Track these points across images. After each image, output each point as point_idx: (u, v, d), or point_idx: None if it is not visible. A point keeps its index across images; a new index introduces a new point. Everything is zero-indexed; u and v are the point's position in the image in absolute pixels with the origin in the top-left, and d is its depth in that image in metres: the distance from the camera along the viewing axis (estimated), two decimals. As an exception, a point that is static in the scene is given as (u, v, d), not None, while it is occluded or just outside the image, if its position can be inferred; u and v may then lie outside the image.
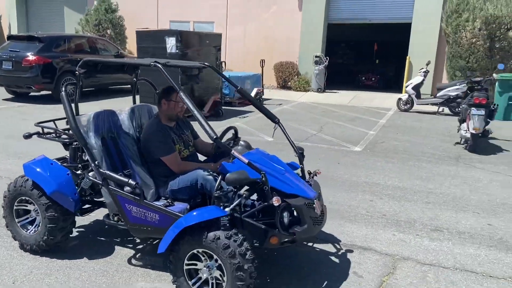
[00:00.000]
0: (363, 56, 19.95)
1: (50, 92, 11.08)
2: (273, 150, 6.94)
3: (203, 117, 2.72)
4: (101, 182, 3.01)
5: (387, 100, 13.28)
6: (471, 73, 8.79)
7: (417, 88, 11.39)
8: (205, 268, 2.61)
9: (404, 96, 11.73)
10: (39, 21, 19.41)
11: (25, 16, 19.66)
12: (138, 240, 3.65)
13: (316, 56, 14.37)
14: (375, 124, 9.65)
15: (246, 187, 2.89)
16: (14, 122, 8.45)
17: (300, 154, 3.42)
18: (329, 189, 5.09)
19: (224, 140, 3.50)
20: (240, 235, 2.55)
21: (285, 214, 2.72)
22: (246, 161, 2.69)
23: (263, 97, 12.60)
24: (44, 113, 9.27)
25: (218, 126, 8.76)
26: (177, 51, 8.84)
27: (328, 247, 3.64)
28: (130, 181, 2.89)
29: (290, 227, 2.79)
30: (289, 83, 15.13)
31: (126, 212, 2.99)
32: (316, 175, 3.37)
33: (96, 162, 3.02)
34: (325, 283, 3.08)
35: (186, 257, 2.62)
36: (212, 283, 2.61)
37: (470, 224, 4.24)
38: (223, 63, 10.19)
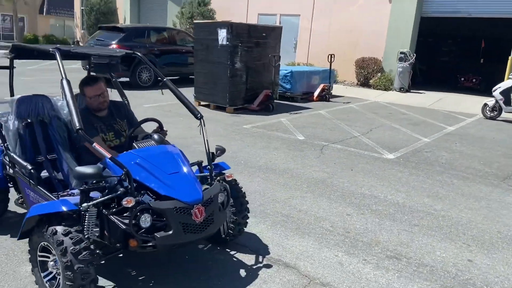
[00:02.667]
0: (465, 54, 17.71)
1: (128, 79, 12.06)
2: (296, 149, 6.68)
3: (73, 105, 2.64)
4: (9, 164, 3.19)
5: (477, 105, 11.65)
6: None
7: (507, 93, 9.81)
8: (52, 263, 2.59)
9: (490, 102, 10.20)
10: (148, 14, 21.20)
11: (137, 9, 21.62)
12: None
13: (401, 53, 13.22)
14: (439, 131, 8.57)
15: None
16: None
17: (212, 154, 3.20)
18: (313, 196, 4.70)
19: (149, 132, 3.45)
20: (80, 234, 2.45)
21: (145, 216, 2.56)
22: (109, 155, 2.62)
23: (332, 93, 12.06)
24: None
25: (263, 120, 8.67)
26: (227, 43, 8.90)
27: (248, 258, 3.36)
28: (27, 165, 3.01)
29: (158, 230, 2.64)
30: (370, 81, 14.21)
31: (26, 196, 3.13)
32: (225, 179, 3.13)
33: (5, 144, 3.21)
34: (208, 295, 2.86)
35: (38, 248, 2.63)
36: (59, 279, 2.59)
37: (443, 256, 3.55)
38: (278, 57, 9.94)
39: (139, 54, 3.67)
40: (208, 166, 3.13)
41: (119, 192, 2.65)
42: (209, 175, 3.09)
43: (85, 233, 2.54)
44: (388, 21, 13.87)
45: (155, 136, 3.18)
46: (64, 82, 2.76)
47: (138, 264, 3.18)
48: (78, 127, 2.57)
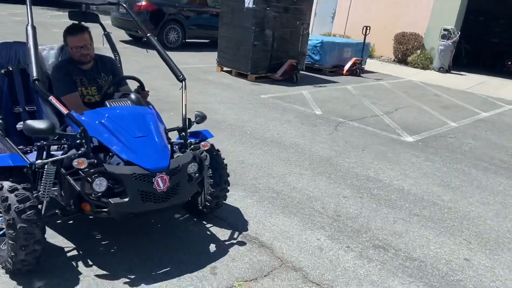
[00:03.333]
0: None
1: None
2: (309, 123, 6.37)
3: (34, 53, 2.48)
4: None
5: (521, 91, 10.81)
6: None
7: (555, 80, 8.95)
8: (0, 218, 2.51)
9: (535, 89, 9.37)
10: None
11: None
12: None
13: (444, 29, 12.34)
14: (470, 116, 7.97)
15: None
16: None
17: (188, 119, 2.99)
18: (312, 174, 4.44)
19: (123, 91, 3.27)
20: (26, 192, 2.33)
21: (100, 180, 2.40)
22: (66, 111, 2.46)
23: (364, 68, 11.48)
24: (135, 57, 10.01)
25: (284, 91, 8.36)
26: (254, 6, 8.52)
27: (223, 233, 3.19)
28: None
29: (116, 196, 2.49)
30: (409, 58, 13.42)
31: None
32: (199, 148, 2.92)
33: None
34: (168, 269, 2.72)
35: None
36: None
37: (437, 252, 3.24)
38: (307, 25, 9.46)
39: (124, 5, 3.46)
40: (183, 133, 2.94)
41: (80, 152, 2.50)
42: (183, 142, 2.89)
43: (39, 192, 2.42)
44: (436, -7, 12.92)
45: (132, 96, 2.99)
46: (29, 28, 2.61)
47: (105, 228, 3.08)
48: (34, 77, 2.42)
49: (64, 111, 2.45)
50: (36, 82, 2.41)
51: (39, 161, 2.42)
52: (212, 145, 3.17)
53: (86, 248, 2.83)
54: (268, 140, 5.36)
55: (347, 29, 15.16)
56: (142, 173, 2.45)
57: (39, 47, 3.48)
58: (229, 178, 3.26)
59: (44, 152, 2.49)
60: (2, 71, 3.19)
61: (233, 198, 3.70)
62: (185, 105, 3.01)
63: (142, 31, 3.36)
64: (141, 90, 3.29)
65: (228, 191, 3.25)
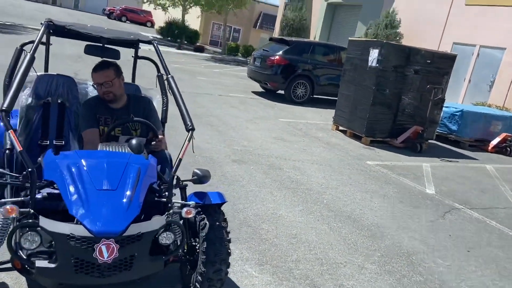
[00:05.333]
0: None
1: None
2: (410, 204, 5.19)
3: (16, 83, 2.29)
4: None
5: None
6: None
7: None
8: None
9: None
10: (337, 33, 20.95)
11: (328, 29, 21.61)
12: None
13: None
14: None
15: None
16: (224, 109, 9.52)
17: (177, 177, 2.47)
18: (378, 271, 3.45)
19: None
20: None
21: (30, 235, 1.96)
22: (20, 148, 2.16)
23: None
24: (255, 107, 10.02)
25: (399, 160, 7.25)
26: (377, 65, 7.76)
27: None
28: None
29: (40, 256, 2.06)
30: None
31: None
32: (180, 214, 2.34)
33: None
34: None
35: None
36: None
37: None
38: (440, 90, 8.20)
39: (155, 43, 3.19)
40: (166, 193, 2.41)
41: (20, 198, 2.17)
42: (164, 202, 2.37)
43: None
44: None
45: (133, 141, 2.60)
46: (28, 56, 2.49)
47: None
48: (2, 107, 2.22)
49: (19, 148, 2.17)
50: (3, 112, 2.21)
51: None
52: (217, 211, 2.59)
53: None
54: (344, 216, 4.46)
55: (507, 100, 12.98)
56: (83, 236, 1.97)
57: (84, 83, 3.44)
58: (261, 254, 2.59)
59: None
60: (41, 102, 3.17)
61: (252, 281, 2.98)
62: (180, 159, 2.50)
63: (166, 71, 3.03)
64: (154, 137, 2.91)
65: (225, 274, 2.57)
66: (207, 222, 2.54)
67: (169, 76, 2.95)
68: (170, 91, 2.87)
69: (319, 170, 5.87)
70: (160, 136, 2.89)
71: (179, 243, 2.31)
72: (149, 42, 3.25)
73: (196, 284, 2.53)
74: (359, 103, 8.14)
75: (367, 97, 7.95)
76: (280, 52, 11.45)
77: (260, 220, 4.00)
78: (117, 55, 3.27)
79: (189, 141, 2.57)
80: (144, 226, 2.12)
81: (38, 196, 2.26)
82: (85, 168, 2.24)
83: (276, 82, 11.45)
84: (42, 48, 3.52)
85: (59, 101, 3.18)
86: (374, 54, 7.84)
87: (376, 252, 3.78)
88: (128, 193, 2.19)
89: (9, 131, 2.18)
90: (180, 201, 2.48)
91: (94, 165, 2.28)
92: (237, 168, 5.34)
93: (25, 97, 3.17)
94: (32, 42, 3.39)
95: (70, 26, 2.98)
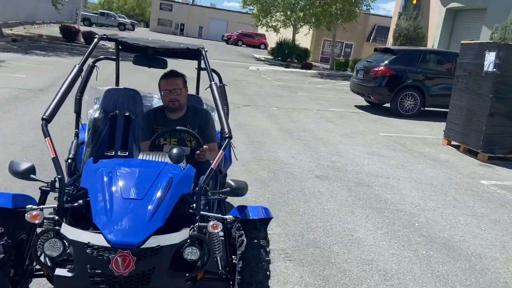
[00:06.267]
0: None
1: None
2: None
3: (61, 93, 2.32)
4: None
5: None
6: None
7: None
8: None
9: None
10: (459, 39, 19.07)
11: (448, 36, 19.85)
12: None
13: None
14: None
15: None
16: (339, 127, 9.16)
17: (204, 188, 2.24)
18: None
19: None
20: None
21: (53, 241, 1.90)
22: (53, 155, 2.16)
23: None
24: (354, 122, 9.44)
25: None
26: (494, 70, 6.69)
27: None
28: None
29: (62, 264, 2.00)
30: None
31: None
32: (203, 230, 2.10)
33: (76, 131, 3.21)
34: None
35: None
36: None
37: None
38: None
39: (204, 50, 3.05)
40: (194, 204, 2.20)
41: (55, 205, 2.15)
42: (194, 214, 2.17)
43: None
44: None
45: (174, 150, 2.49)
46: (77, 67, 2.54)
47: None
48: (43, 116, 2.27)
49: (52, 154, 2.18)
50: (43, 121, 2.26)
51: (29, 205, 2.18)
52: (258, 228, 2.31)
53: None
54: (438, 242, 3.78)
55: None
56: (100, 245, 1.88)
57: (149, 96, 3.48)
58: (324, 280, 2.29)
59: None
60: (109, 115, 3.26)
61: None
62: (212, 169, 2.28)
63: (210, 77, 2.86)
64: (199, 146, 2.76)
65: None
66: (244, 239, 2.29)
67: (212, 82, 2.79)
68: (213, 97, 2.69)
69: (416, 189, 5.16)
70: (204, 146, 2.73)
71: (205, 259, 2.09)
72: (197, 49, 3.16)
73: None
74: (474, 115, 7.10)
75: (482, 107, 6.90)
76: (385, 62, 10.71)
77: (332, 242, 3.58)
78: (164, 64, 3.27)
79: (223, 150, 2.34)
80: (164, 239, 1.95)
81: (74, 204, 2.27)
82: (117, 177, 2.17)
83: (381, 94, 10.71)
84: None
85: (126, 114, 3.25)
86: (490, 57, 6.80)
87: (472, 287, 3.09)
88: (153, 203, 2.05)
89: (46, 138, 2.22)
90: (213, 214, 2.27)
91: (126, 173, 2.20)
92: (318, 184, 4.95)
93: (93, 111, 3.31)
94: (106, 59, 3.56)
95: (121, 39, 3.05)
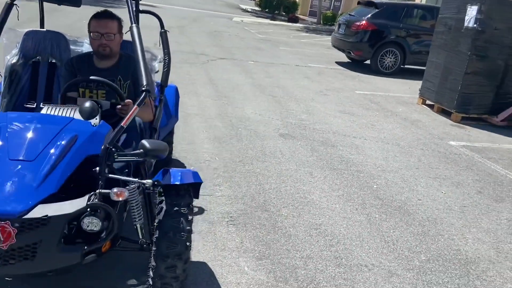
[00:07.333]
0: None
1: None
2: (488, 195, 4.25)
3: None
4: None
5: None
6: None
7: None
8: None
9: None
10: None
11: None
12: None
13: None
14: None
15: None
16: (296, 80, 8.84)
17: (108, 149, 1.97)
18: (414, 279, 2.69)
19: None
20: None
21: None
22: None
23: None
24: (331, 78, 9.15)
25: (494, 141, 6.01)
26: (475, 25, 6.40)
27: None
28: None
29: None
30: None
31: None
32: (108, 197, 1.87)
33: None
34: None
35: None
36: None
37: None
38: None
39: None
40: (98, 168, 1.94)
41: None
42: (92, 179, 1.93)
43: None
44: None
45: (86, 104, 2.20)
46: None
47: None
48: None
49: None
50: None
51: None
52: (180, 194, 2.09)
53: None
54: (393, 206, 3.66)
55: None
56: None
57: (76, 39, 3.14)
58: (266, 245, 2.11)
59: None
60: (30, 62, 2.93)
61: (239, 278, 2.47)
62: (122, 126, 1.99)
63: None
64: (120, 101, 2.47)
65: (184, 271, 2.08)
66: (163, 206, 2.07)
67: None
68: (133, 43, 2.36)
69: (381, 150, 5.01)
70: (126, 100, 2.42)
71: (111, 230, 1.89)
72: None
73: (149, 280, 2.10)
74: (450, 73, 6.86)
75: (459, 64, 6.65)
76: (368, 16, 10.27)
77: (282, 205, 3.42)
78: (77, 2, 2.87)
79: (138, 105, 2.07)
80: (54, 208, 1.73)
81: None
82: (6, 134, 1.91)
83: (361, 50, 10.33)
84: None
85: (50, 61, 2.92)
86: (471, 11, 6.48)
87: (420, 255, 2.98)
88: (47, 164, 1.81)
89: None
90: (128, 178, 2.03)
91: (18, 130, 1.94)
92: (281, 143, 4.75)
93: (10, 56, 2.96)
94: None
95: None
